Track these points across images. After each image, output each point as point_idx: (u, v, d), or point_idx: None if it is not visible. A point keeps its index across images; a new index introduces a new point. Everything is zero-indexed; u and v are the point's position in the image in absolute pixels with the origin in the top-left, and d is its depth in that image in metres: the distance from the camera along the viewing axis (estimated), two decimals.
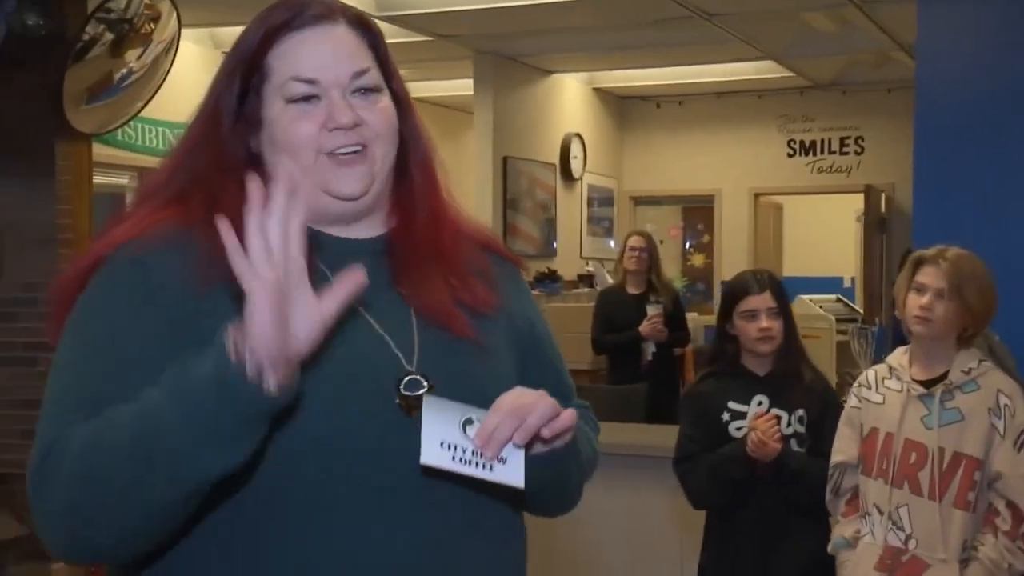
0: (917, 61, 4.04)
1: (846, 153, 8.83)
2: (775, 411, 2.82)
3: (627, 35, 6.85)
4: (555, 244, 8.16)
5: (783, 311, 2.82)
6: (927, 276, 2.61)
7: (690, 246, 10.21)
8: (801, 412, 2.82)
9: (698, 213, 9.94)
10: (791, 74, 8.16)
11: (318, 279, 1.11)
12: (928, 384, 2.60)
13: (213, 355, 1.02)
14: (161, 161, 1.29)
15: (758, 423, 2.73)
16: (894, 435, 2.60)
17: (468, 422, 1.14)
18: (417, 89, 8.68)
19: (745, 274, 2.94)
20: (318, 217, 1.22)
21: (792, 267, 9.84)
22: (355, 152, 1.22)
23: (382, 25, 6.32)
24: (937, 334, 2.59)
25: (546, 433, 1.14)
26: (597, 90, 8.92)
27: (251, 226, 1.01)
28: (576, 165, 8.41)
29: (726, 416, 2.85)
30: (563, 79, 8.41)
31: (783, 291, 2.88)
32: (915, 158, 4.02)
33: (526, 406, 1.13)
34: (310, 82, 1.21)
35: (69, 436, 1.07)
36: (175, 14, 5.88)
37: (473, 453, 1.12)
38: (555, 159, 8.22)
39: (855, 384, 2.77)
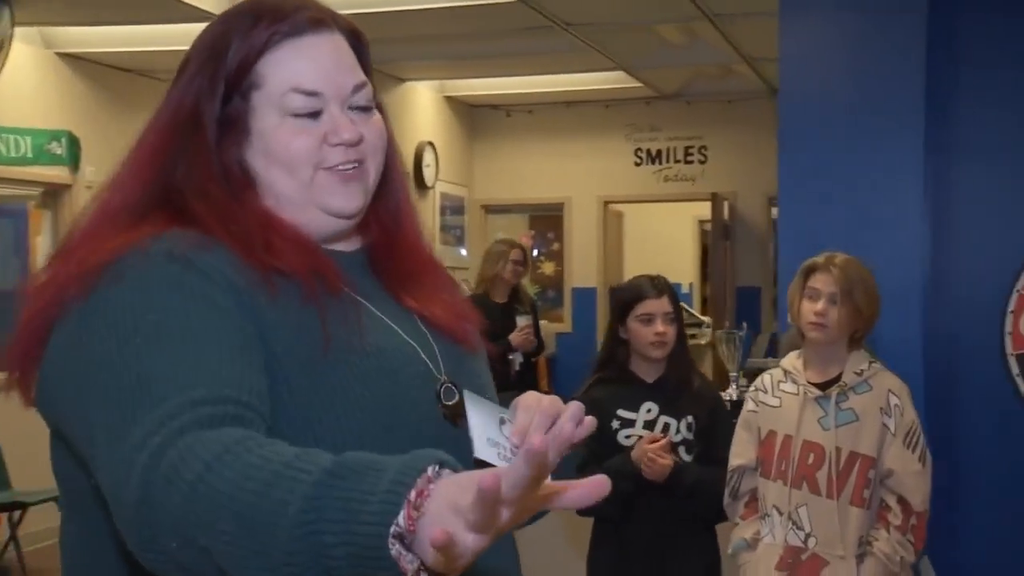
0: (780, 74, 4.17)
1: (691, 162, 9.09)
2: (664, 418, 2.84)
3: (480, 44, 6.86)
4: None
5: (677, 318, 2.85)
6: (819, 282, 2.70)
7: (539, 254, 10.31)
8: (690, 419, 2.85)
9: (548, 221, 10.05)
10: (638, 84, 8.34)
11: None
12: (823, 386, 2.68)
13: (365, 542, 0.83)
14: (127, 169, 1.19)
15: (648, 449, 2.73)
16: (792, 437, 2.67)
17: (502, 421, 1.13)
18: None
19: (641, 279, 2.95)
20: (316, 233, 1.19)
21: (633, 274, 10.06)
22: (354, 168, 1.18)
23: None
24: (832, 338, 2.68)
25: (573, 437, 1.11)
26: (448, 98, 8.90)
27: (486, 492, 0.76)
28: (429, 174, 8.37)
29: (615, 424, 2.86)
30: (415, 87, 8.35)
31: (677, 298, 2.91)
32: (780, 169, 4.15)
33: (555, 406, 1.11)
34: (312, 94, 1.15)
35: (188, 445, 0.91)
36: (8, 11, 5.55)
37: (512, 451, 1.11)
38: (408, 167, 8.12)
39: (752, 388, 2.83)
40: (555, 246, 9.92)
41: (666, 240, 11.56)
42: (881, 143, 4.02)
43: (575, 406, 1.11)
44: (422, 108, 8.53)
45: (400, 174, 1.29)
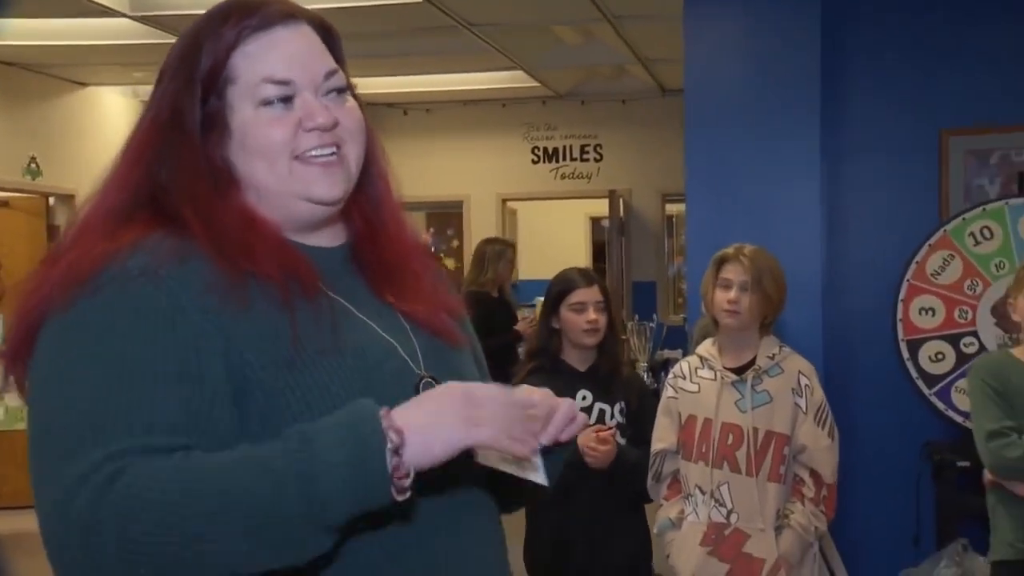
0: (685, 76, 4.35)
1: (586, 160, 9.28)
2: (599, 405, 2.95)
3: (382, 43, 6.88)
4: None
5: (607, 307, 2.97)
6: (731, 272, 2.86)
7: (438, 252, 10.37)
8: (622, 404, 2.96)
9: (446, 219, 10.12)
10: (535, 84, 8.48)
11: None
12: (738, 371, 2.84)
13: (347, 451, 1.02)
14: (113, 174, 1.21)
15: (590, 438, 2.81)
16: (712, 420, 2.82)
17: None
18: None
19: (571, 271, 3.05)
20: (289, 224, 1.21)
21: (526, 270, 10.21)
22: (332, 155, 1.20)
23: (133, 25, 6.03)
24: (744, 324, 2.84)
25: (565, 436, 1.18)
26: None
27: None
28: None
29: None
30: None
31: (606, 288, 3.03)
32: (686, 167, 4.33)
33: (547, 403, 1.17)
34: (284, 83, 1.17)
35: (141, 471, 1.00)
36: None
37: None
38: None
39: (671, 376, 2.98)
40: (454, 243, 10.01)
41: (558, 237, 11.73)
42: (780, 142, 4.23)
43: (569, 405, 1.19)
44: None
45: (380, 165, 1.30)
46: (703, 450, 2.83)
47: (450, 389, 1.08)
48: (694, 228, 4.30)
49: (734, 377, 2.83)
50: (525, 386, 1.21)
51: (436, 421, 1.05)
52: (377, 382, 1.15)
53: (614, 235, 9.05)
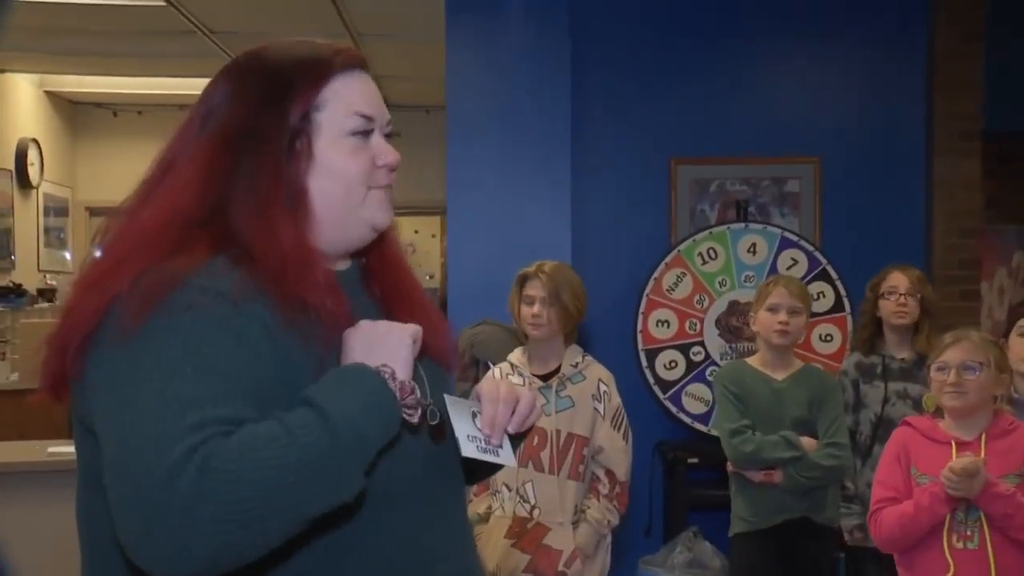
0: (447, 92, 4.56)
1: None
2: None
3: (113, 43, 6.57)
4: (14, 257, 7.51)
5: None
6: (532, 288, 3.10)
7: None
8: None
9: None
10: None
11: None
12: (545, 378, 3.08)
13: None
14: (169, 184, 1.26)
15: None
16: None
17: (474, 415, 1.34)
18: None
19: None
20: (335, 249, 1.32)
21: None
22: (388, 188, 1.35)
23: None
24: (547, 335, 3.08)
25: (525, 426, 1.38)
26: (49, 94, 8.34)
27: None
28: (33, 172, 7.81)
29: None
30: (13, 79, 7.76)
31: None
32: (448, 180, 4.54)
33: (512, 394, 1.36)
34: (369, 118, 1.32)
35: (231, 441, 1.07)
36: None
37: (486, 442, 1.32)
38: (10, 165, 7.56)
39: (483, 381, 3.17)
40: None
41: None
42: (534, 164, 4.53)
43: (530, 396, 1.38)
44: (22, 102, 7.94)
45: None
46: None
47: (362, 327, 1.25)
48: (454, 240, 4.51)
49: (541, 383, 3.07)
50: (487, 380, 1.41)
51: (382, 343, 1.23)
52: None
53: None
